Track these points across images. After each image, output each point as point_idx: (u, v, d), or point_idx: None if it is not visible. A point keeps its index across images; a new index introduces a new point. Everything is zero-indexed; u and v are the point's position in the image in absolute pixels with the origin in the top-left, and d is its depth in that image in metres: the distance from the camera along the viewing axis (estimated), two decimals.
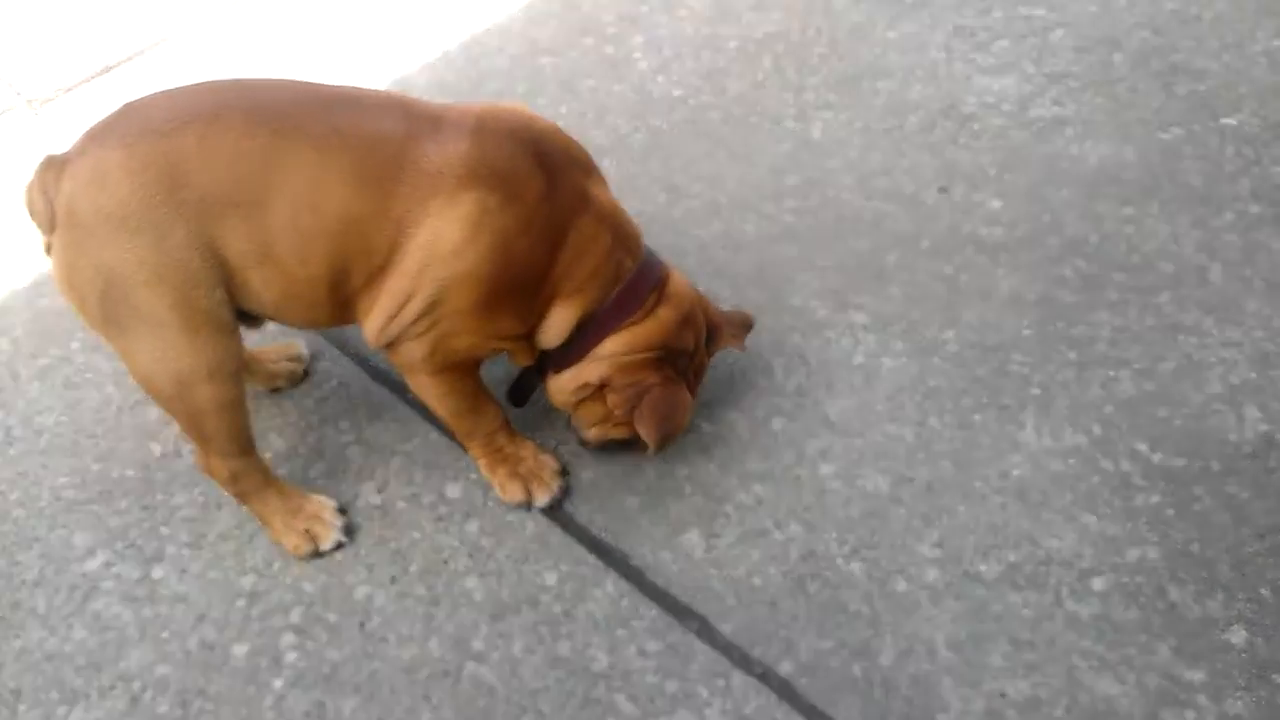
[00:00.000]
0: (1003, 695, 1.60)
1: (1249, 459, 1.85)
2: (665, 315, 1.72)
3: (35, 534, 1.86)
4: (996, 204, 2.35)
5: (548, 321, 1.69)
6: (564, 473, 1.89)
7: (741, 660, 1.66)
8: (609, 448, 1.90)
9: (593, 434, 1.84)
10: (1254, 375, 1.98)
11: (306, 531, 1.80)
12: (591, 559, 1.79)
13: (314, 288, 1.60)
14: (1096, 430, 1.92)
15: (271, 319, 1.71)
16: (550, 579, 1.77)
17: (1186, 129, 2.48)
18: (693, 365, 1.79)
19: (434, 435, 1.98)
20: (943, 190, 2.40)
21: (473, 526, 1.85)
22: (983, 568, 1.75)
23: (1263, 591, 1.68)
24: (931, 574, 1.75)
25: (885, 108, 2.62)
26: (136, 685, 1.66)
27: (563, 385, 1.77)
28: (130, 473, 1.95)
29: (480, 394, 1.82)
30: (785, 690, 1.62)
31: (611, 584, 1.76)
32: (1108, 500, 1.82)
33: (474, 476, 1.91)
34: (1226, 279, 2.15)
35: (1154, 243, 2.23)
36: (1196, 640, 1.64)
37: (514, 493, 1.85)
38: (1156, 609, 1.68)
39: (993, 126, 2.54)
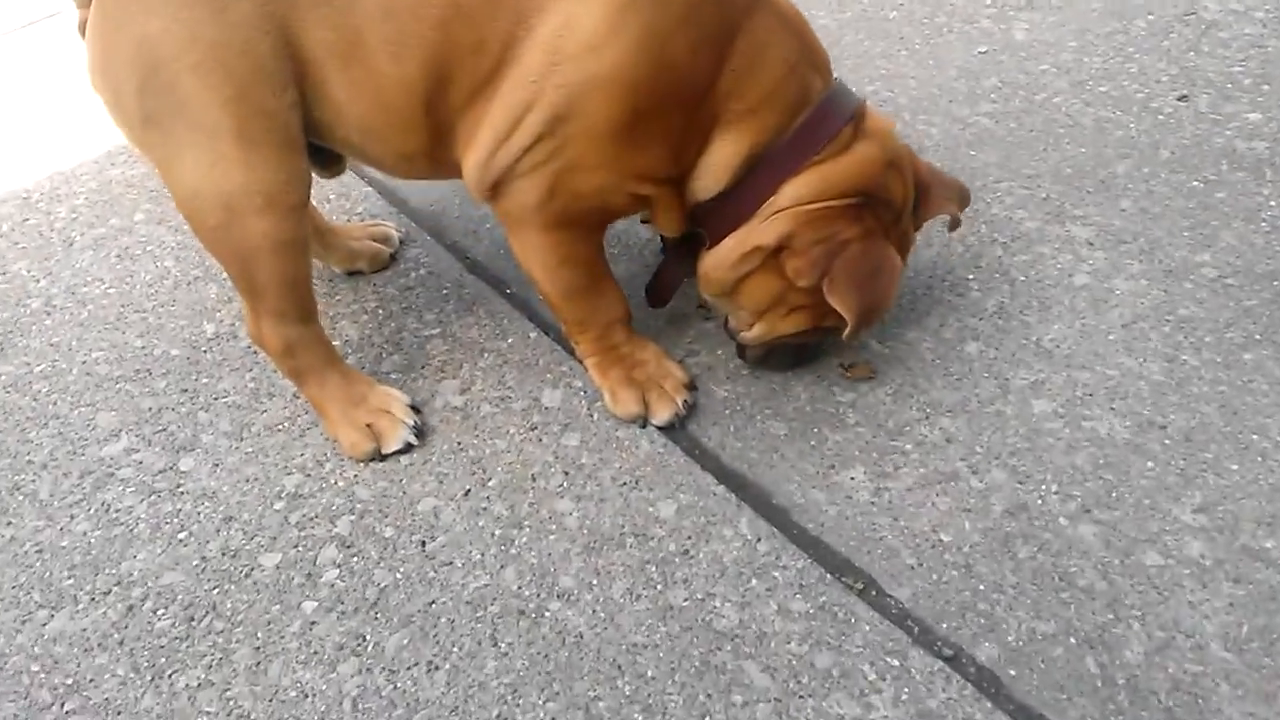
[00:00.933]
0: None
1: None
2: (865, 152, 1.29)
3: (55, 410, 1.55)
4: (1254, 116, 1.85)
5: (707, 158, 1.27)
6: (692, 386, 1.48)
7: (924, 637, 1.21)
8: (775, 358, 1.48)
9: (757, 330, 1.41)
10: None
11: (369, 427, 1.43)
12: (720, 490, 1.37)
13: (408, 96, 1.23)
14: None
15: (355, 154, 1.36)
16: (666, 510, 1.35)
17: None
18: (897, 230, 1.35)
19: (534, 335, 1.60)
20: (1182, 99, 1.91)
21: (572, 440, 1.45)
22: (1269, 544, 1.25)
23: None
24: (1196, 546, 1.26)
25: (1105, 10, 2.14)
26: (136, 593, 1.31)
27: (723, 257, 1.34)
28: (175, 351, 1.62)
29: (601, 270, 1.43)
30: (987, 681, 1.16)
31: (746, 524, 1.33)
32: None
33: (579, 383, 1.52)
34: None
35: None
36: None
37: (627, 403, 1.45)
38: None
39: (1243, 35, 2.04)
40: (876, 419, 1.44)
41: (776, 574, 1.27)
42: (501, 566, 1.30)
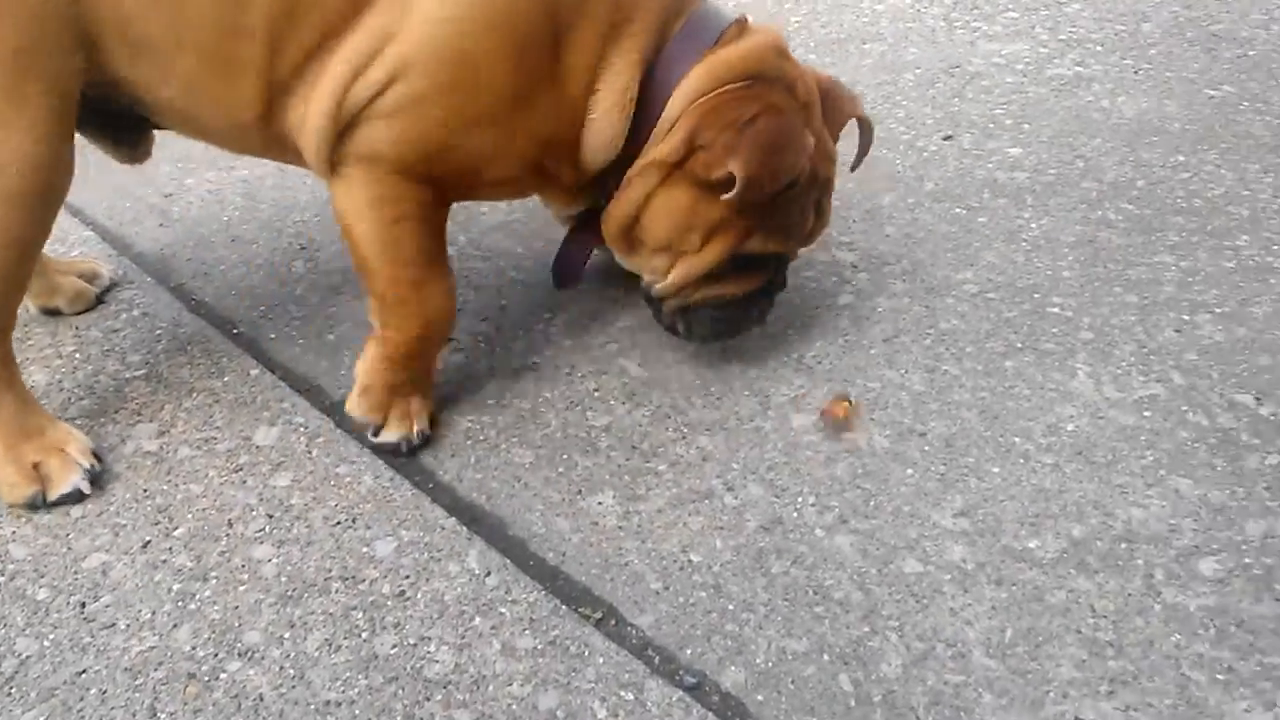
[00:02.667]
0: None
1: None
2: (753, 38, 1.21)
3: None
4: (1015, 150, 1.88)
5: (604, 79, 1.15)
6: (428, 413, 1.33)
7: (665, 666, 1.05)
8: (700, 322, 1.33)
9: (674, 275, 1.27)
10: None
11: (36, 467, 1.21)
12: (449, 523, 1.20)
13: (247, 40, 1.07)
14: (1177, 379, 1.37)
15: (179, 123, 1.20)
16: (384, 549, 1.17)
17: (1240, 87, 2.04)
18: (813, 124, 1.24)
19: (256, 372, 1.42)
20: (947, 138, 1.93)
21: (282, 480, 1.26)
22: (1033, 544, 1.16)
23: None
24: (957, 551, 1.16)
25: (877, 66, 2.18)
26: None
27: (626, 194, 1.22)
28: None
29: (436, 255, 1.25)
30: (731, 710, 1.01)
31: (475, 557, 1.16)
32: (1206, 461, 1.25)
33: (300, 419, 1.34)
34: None
35: (1219, 188, 1.74)
36: None
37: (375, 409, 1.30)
38: None
39: (1004, 83, 2.10)
40: (630, 441, 1.31)
41: (504, 610, 1.10)
42: (175, 625, 1.09)
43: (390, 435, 1.28)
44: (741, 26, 1.23)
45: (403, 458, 1.28)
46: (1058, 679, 1.02)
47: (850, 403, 1.32)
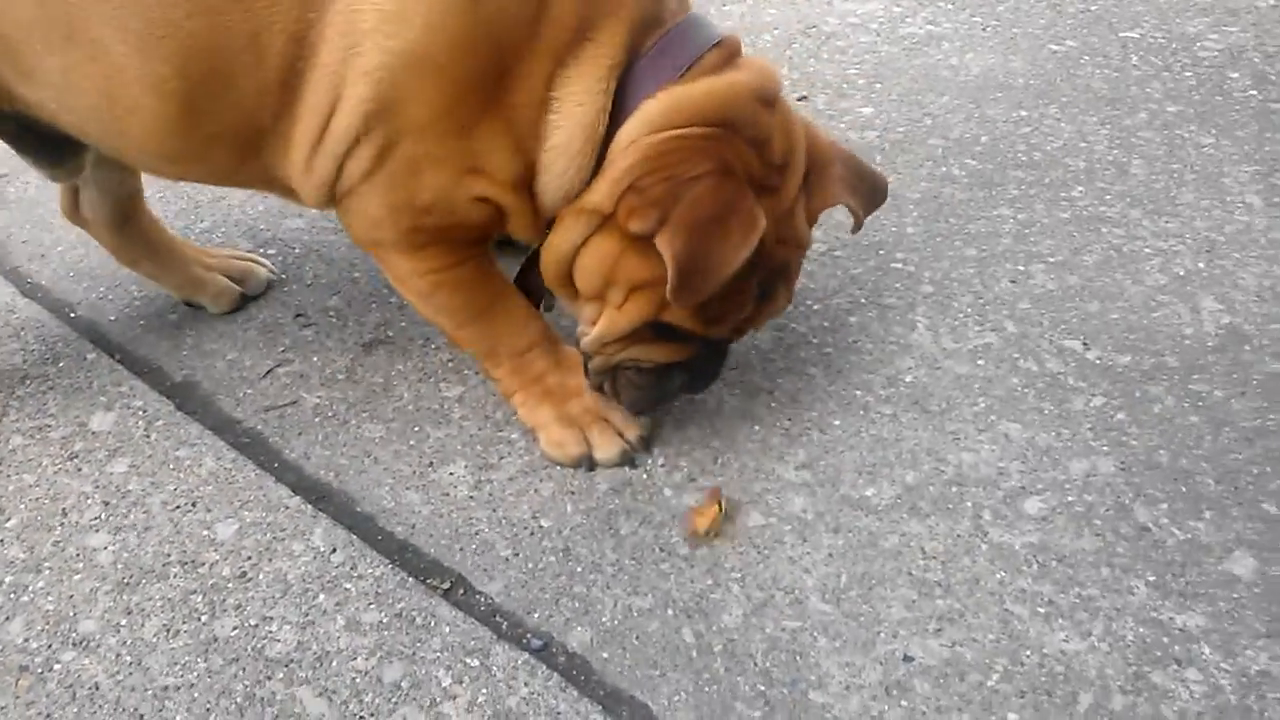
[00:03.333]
0: (908, 659, 1.03)
1: (1215, 352, 1.38)
2: (732, 77, 1.04)
3: None
4: (867, 110, 1.92)
5: (560, 107, 1.01)
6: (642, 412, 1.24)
7: (511, 631, 1.06)
8: (624, 388, 1.17)
9: (597, 329, 1.11)
10: (1202, 265, 1.53)
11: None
12: (294, 502, 1.19)
13: (158, 97, 1.00)
14: (1010, 327, 1.42)
15: (102, 147, 1.13)
16: (225, 532, 1.15)
17: (1082, 41, 2.12)
18: (773, 194, 1.07)
19: (93, 355, 1.37)
20: (802, 98, 1.96)
21: (119, 466, 1.23)
22: (869, 492, 1.20)
23: (1266, 507, 1.18)
24: (798, 502, 1.19)
25: (736, 28, 2.19)
26: None
27: (557, 234, 1.08)
28: None
29: (494, 290, 1.19)
30: (577, 669, 1.03)
31: (320, 535, 1.15)
32: (1035, 405, 1.31)
33: (139, 403, 1.30)
34: (1151, 173, 1.73)
35: (1057, 141, 1.81)
36: (1185, 573, 1.11)
37: (565, 444, 1.22)
38: (1121, 535, 1.15)
39: (859, 43, 2.14)
40: (484, 411, 1.31)
41: (349, 585, 1.10)
42: (6, 619, 1.06)
43: (607, 454, 1.22)
44: (728, 53, 1.07)
45: (635, 469, 1.22)
46: (889, 619, 1.07)
47: (720, 506, 1.17)
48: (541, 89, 1.00)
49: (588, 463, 1.22)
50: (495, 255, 1.21)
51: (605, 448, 1.22)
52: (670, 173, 1.00)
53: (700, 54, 1.04)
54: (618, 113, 1.02)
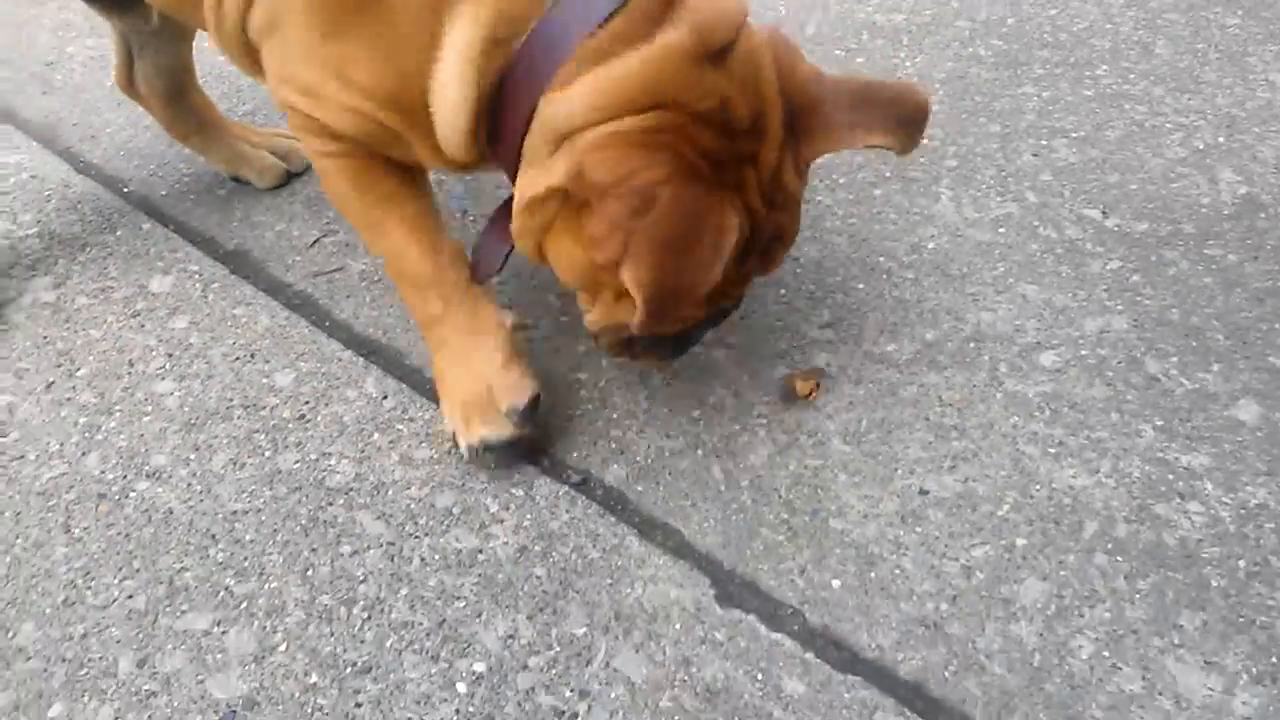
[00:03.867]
0: (923, 492, 1.10)
1: (1230, 220, 1.42)
2: (666, 39, 0.87)
3: None
4: None
5: (441, 52, 0.90)
6: (533, 402, 1.10)
7: (553, 468, 1.14)
8: (639, 347, 1.08)
9: (594, 313, 1.05)
10: (1222, 139, 1.55)
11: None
12: (347, 355, 1.26)
13: None
14: (1031, 198, 1.46)
15: None
16: (283, 380, 1.23)
17: None
18: (742, 167, 0.93)
19: (148, 225, 1.44)
20: None
21: (180, 322, 1.30)
22: (890, 348, 1.26)
23: (1273, 360, 1.23)
24: (822, 357, 1.25)
25: None
26: None
27: (518, 205, 0.97)
28: None
29: (391, 196, 1.06)
30: (614, 500, 1.10)
31: (373, 383, 1.22)
32: (1053, 269, 1.35)
33: (195, 268, 1.37)
34: (1175, 52, 1.74)
35: (1083, 23, 1.82)
36: (1192, 419, 1.17)
37: (445, 419, 1.12)
38: (1132, 384, 1.21)
39: None
40: (523, 274, 1.37)
41: (401, 426, 1.18)
42: (83, 454, 1.15)
43: (470, 437, 1.08)
44: (669, 2, 0.89)
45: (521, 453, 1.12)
46: (905, 459, 1.14)
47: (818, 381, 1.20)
48: (428, 14, 0.89)
49: (457, 443, 1.10)
50: (427, 182, 1.10)
51: (476, 426, 1.08)
52: (623, 184, 0.87)
53: (619, 5, 0.88)
54: (520, 69, 0.90)
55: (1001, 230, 1.41)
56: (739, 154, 0.93)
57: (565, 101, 0.88)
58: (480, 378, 1.08)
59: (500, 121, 0.94)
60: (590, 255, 0.92)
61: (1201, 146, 1.54)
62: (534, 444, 1.13)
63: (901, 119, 0.98)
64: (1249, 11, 1.84)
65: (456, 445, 1.10)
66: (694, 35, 0.87)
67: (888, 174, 1.52)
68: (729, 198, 0.91)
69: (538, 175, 0.93)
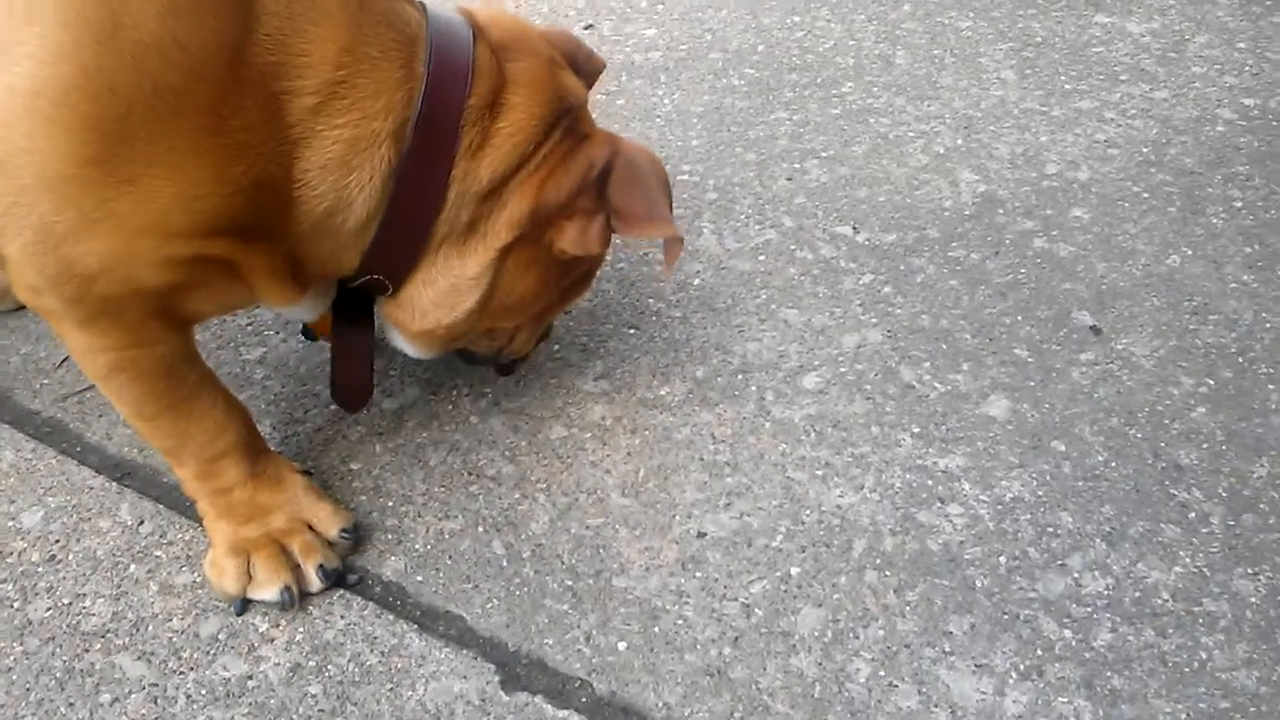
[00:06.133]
0: (701, 534, 1.12)
1: (971, 219, 1.49)
2: (526, 70, 0.97)
3: None
4: (650, 31, 1.97)
5: (311, 161, 0.87)
6: (347, 534, 1.09)
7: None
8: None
9: (524, 335, 1.16)
10: (960, 141, 1.64)
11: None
12: (98, 482, 1.19)
13: None
14: (788, 222, 1.51)
15: None
16: (30, 520, 1.15)
17: None
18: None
19: None
20: (588, 27, 1.99)
21: None
22: (664, 391, 1.28)
23: (1018, 352, 1.30)
24: (598, 411, 1.26)
25: None
26: None
27: (447, 286, 1.00)
28: None
29: (186, 381, 1.01)
30: (392, 595, 1.07)
31: (128, 509, 1.16)
32: (811, 290, 1.40)
33: None
34: (914, 61, 1.83)
35: (828, 42, 1.90)
36: (946, 421, 1.22)
37: (222, 573, 1.05)
38: (889, 395, 1.25)
39: None
40: (286, 370, 1.33)
41: (160, 553, 1.12)
42: None
43: (262, 592, 1.04)
44: (488, 45, 0.96)
45: (291, 610, 1.05)
46: (683, 502, 1.15)
47: None
48: (270, 133, 0.85)
49: (238, 605, 1.05)
50: (194, 341, 1.02)
51: (265, 585, 1.04)
52: (577, 183, 0.99)
53: (470, 60, 0.94)
54: (419, 151, 0.92)
55: (761, 258, 1.45)
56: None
57: (483, 165, 0.94)
58: (294, 519, 1.08)
59: (396, 215, 0.93)
60: (553, 268, 1.04)
61: (942, 151, 1.62)
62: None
63: (586, 57, 1.15)
64: (979, 13, 1.96)
65: (237, 608, 1.05)
66: (533, 54, 0.99)
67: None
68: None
69: (468, 249, 0.98)
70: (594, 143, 1.02)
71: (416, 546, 1.12)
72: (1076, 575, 1.07)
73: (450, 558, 1.11)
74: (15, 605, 1.07)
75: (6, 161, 0.79)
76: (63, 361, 1.35)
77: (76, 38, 0.76)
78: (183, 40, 0.79)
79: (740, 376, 1.28)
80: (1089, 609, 1.04)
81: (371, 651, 1.02)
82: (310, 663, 1.01)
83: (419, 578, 1.09)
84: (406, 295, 1.01)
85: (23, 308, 1.43)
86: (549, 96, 0.98)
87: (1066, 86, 1.76)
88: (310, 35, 0.85)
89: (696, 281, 1.42)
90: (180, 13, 0.79)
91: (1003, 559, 1.08)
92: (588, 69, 1.14)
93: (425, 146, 0.92)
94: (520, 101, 0.96)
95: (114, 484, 1.19)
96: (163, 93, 0.79)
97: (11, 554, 1.12)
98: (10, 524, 1.15)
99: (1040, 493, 1.14)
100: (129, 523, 1.14)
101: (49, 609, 1.07)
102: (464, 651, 1.02)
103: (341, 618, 1.05)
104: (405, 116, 0.91)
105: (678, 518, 1.13)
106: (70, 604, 1.07)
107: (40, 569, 1.10)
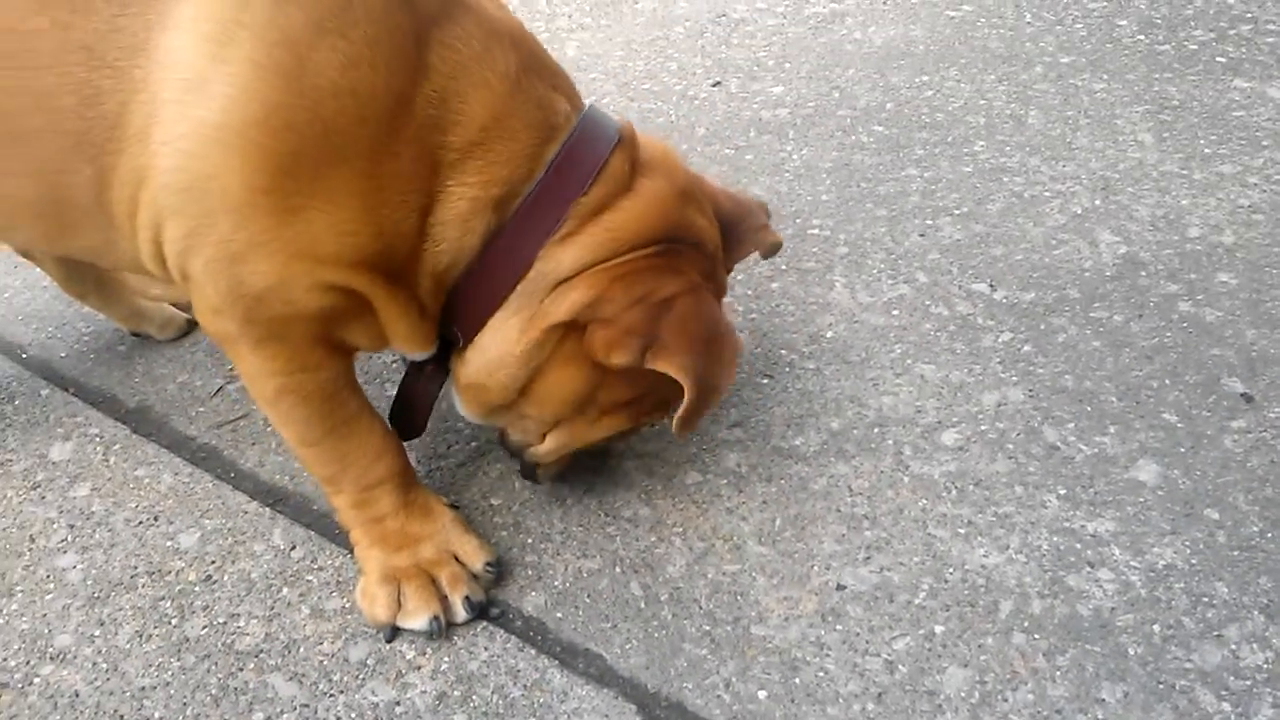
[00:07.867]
0: (841, 587, 1.11)
1: (1113, 280, 1.47)
2: (655, 188, 1.01)
3: None
4: (778, 89, 2.00)
5: (436, 217, 0.94)
6: (491, 568, 1.12)
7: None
8: (574, 469, 1.22)
9: (554, 440, 1.11)
10: (1099, 202, 1.62)
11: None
12: (252, 507, 1.24)
13: None
14: (921, 278, 1.51)
15: None
16: (188, 541, 1.21)
17: (977, 4, 2.22)
18: (714, 281, 1.09)
19: (46, 391, 1.42)
20: (716, 84, 2.04)
21: (81, 490, 1.27)
22: (798, 441, 1.28)
23: (1167, 416, 1.26)
24: (732, 458, 1.26)
25: (650, 22, 2.27)
26: None
27: (497, 355, 1.02)
28: None
29: (349, 405, 1.07)
30: (533, 630, 1.09)
31: (280, 534, 1.20)
32: (948, 346, 1.39)
33: (94, 430, 1.35)
34: (1047, 122, 1.82)
35: (958, 101, 1.90)
36: (1094, 484, 1.19)
37: (374, 602, 1.08)
38: (1033, 455, 1.23)
39: (766, 26, 2.22)
40: (435, 410, 1.37)
41: (311, 577, 1.15)
42: None
43: (412, 621, 1.06)
44: (629, 152, 1.01)
45: (438, 639, 1.08)
46: (821, 554, 1.14)
47: None
48: (418, 183, 0.92)
49: (388, 632, 1.08)
50: (354, 371, 1.08)
51: (415, 615, 1.06)
52: (638, 297, 0.98)
53: (601, 166, 0.98)
54: (506, 221, 0.97)
55: (895, 312, 1.45)
56: (713, 274, 1.08)
57: (569, 250, 0.98)
58: (442, 550, 1.11)
59: (481, 276, 0.99)
60: (600, 377, 1.02)
61: (1079, 211, 1.60)
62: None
63: (755, 227, 1.18)
64: (1114, 75, 1.94)
65: (387, 635, 1.08)
66: (673, 183, 1.03)
67: (783, 266, 1.56)
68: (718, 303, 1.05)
69: (527, 322, 1.00)
70: (681, 278, 1.00)
71: (556, 583, 1.13)
72: (1234, 647, 1.03)
73: (589, 596, 1.12)
74: (173, 622, 1.12)
75: (194, 186, 0.88)
76: (217, 391, 1.42)
77: (265, 78, 0.85)
78: (357, 88, 0.87)
79: (876, 430, 1.28)
80: (1248, 682, 1.00)
81: (515, 684, 1.03)
82: (455, 692, 1.03)
83: (559, 614, 1.10)
84: (468, 351, 1.05)
85: (181, 337, 1.50)
86: (662, 216, 1.01)
87: (1206, 150, 1.73)
88: (469, 98, 0.92)
89: (829, 334, 1.43)
90: (359, 63, 0.87)
91: (1156, 627, 1.05)
92: (752, 237, 1.17)
93: (524, 222, 0.97)
94: (631, 208, 0.99)
95: (267, 509, 1.23)
96: (332, 134, 0.87)
97: (170, 572, 1.17)
98: (169, 544, 1.20)
99: (1194, 561, 1.11)
100: (282, 547, 1.19)
101: (205, 627, 1.11)
102: (605, 690, 1.03)
103: (485, 649, 1.06)
104: (519, 191, 0.97)
105: (816, 568, 1.13)
106: (225, 623, 1.11)
107: (197, 588, 1.15)
